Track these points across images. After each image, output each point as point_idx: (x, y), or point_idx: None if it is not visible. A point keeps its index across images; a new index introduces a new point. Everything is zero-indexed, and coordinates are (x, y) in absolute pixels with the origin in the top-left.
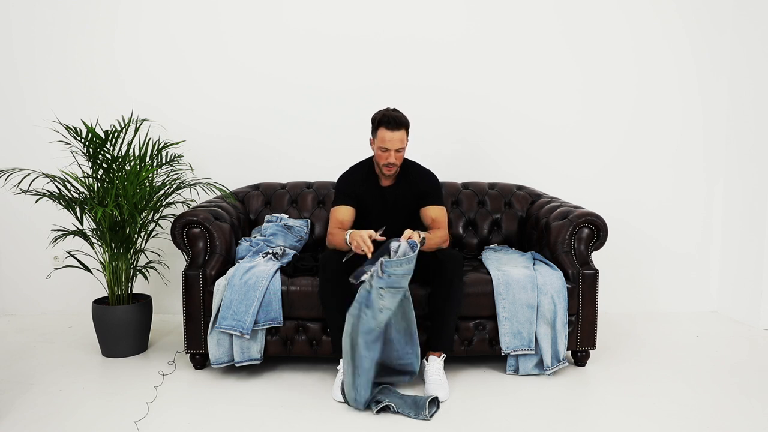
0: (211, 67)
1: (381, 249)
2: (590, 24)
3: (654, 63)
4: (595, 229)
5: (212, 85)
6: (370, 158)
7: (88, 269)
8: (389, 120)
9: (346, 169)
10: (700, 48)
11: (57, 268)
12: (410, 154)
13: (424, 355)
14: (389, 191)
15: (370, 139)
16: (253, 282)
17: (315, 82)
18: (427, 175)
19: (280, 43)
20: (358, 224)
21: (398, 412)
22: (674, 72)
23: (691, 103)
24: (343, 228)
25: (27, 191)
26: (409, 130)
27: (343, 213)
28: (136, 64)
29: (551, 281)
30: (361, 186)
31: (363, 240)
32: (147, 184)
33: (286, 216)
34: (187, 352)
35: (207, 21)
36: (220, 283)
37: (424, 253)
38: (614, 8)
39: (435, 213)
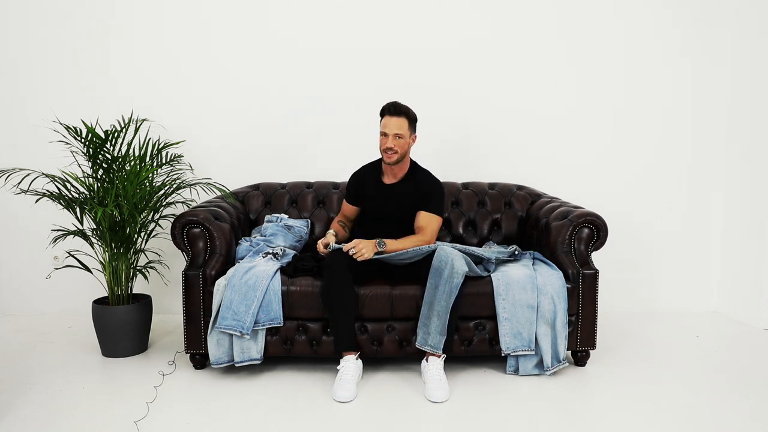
0: (211, 66)
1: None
2: (588, 25)
3: (657, 64)
4: (595, 229)
5: (212, 84)
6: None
7: (88, 269)
8: (390, 107)
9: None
10: (700, 46)
11: (57, 268)
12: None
13: (424, 355)
14: (391, 188)
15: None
16: (253, 282)
17: (315, 83)
18: (432, 182)
19: (280, 44)
20: (359, 216)
21: None
22: (675, 72)
23: (692, 103)
24: (345, 220)
25: (27, 191)
26: (416, 125)
27: (346, 208)
28: (136, 65)
29: (551, 281)
30: (364, 179)
31: (318, 246)
32: (147, 184)
33: (286, 216)
34: (187, 352)
35: (207, 22)
36: (220, 283)
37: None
38: (617, 9)
39: (424, 221)
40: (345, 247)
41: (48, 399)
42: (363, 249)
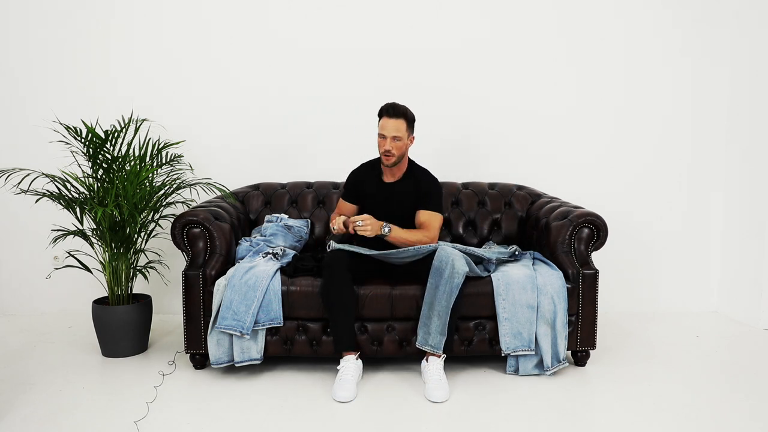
0: (211, 67)
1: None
2: (588, 25)
3: (657, 64)
4: (595, 229)
5: (212, 84)
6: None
7: (88, 269)
8: (388, 108)
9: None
10: (700, 46)
11: (57, 268)
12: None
13: (424, 355)
14: (390, 187)
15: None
16: (253, 282)
17: (315, 83)
18: (431, 181)
19: (280, 44)
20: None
21: None
22: (675, 72)
23: (692, 103)
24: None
25: (27, 191)
26: (413, 126)
27: (344, 206)
28: (136, 65)
29: (551, 281)
30: (364, 177)
31: (335, 220)
32: (147, 184)
33: (286, 216)
34: (187, 352)
35: (207, 22)
36: (220, 283)
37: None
38: (617, 9)
39: (425, 217)
40: (353, 218)
41: (48, 399)
42: (367, 227)
